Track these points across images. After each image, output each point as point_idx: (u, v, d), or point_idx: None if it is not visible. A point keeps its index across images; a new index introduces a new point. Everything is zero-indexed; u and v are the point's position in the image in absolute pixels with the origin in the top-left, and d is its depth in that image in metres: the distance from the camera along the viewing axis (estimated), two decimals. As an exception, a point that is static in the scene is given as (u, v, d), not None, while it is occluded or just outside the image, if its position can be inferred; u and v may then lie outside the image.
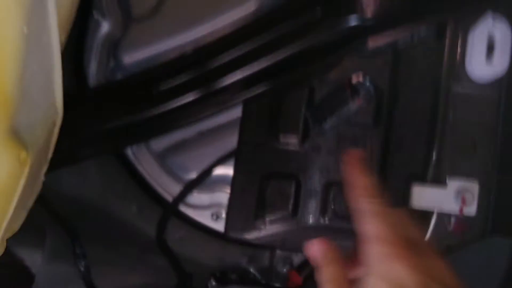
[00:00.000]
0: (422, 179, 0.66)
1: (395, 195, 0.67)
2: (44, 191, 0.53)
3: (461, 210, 0.63)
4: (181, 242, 0.77)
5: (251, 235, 0.70)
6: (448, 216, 0.65)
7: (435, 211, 0.65)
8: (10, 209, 0.44)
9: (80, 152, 0.74)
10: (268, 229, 0.69)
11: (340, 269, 0.47)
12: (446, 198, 0.63)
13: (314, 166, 0.68)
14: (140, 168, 0.80)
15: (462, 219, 0.64)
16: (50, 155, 0.54)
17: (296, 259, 0.73)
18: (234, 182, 0.71)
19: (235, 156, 0.73)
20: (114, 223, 0.76)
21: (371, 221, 0.45)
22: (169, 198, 0.79)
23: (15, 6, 0.40)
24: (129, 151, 0.80)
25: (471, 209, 0.63)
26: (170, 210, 0.78)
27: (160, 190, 0.79)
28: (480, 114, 0.65)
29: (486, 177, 0.64)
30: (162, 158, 0.80)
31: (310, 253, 0.49)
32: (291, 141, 0.69)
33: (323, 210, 0.67)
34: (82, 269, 0.65)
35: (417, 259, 0.43)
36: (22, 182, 0.44)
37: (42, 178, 0.53)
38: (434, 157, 0.66)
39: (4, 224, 0.44)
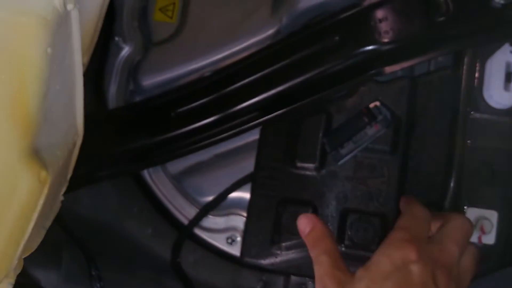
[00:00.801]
0: (440, 207, 0.65)
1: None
2: (61, 211, 0.53)
3: (479, 238, 0.62)
4: (196, 265, 0.77)
5: (266, 261, 0.69)
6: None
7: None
8: (29, 227, 0.45)
9: (98, 173, 0.75)
10: (284, 254, 0.68)
11: (335, 243, 0.51)
12: (464, 226, 0.63)
13: (331, 192, 0.68)
14: (156, 190, 0.80)
15: (481, 248, 0.63)
16: (69, 175, 0.54)
17: (311, 285, 0.72)
18: (251, 207, 0.71)
19: (252, 180, 0.73)
20: (129, 245, 0.76)
21: (403, 216, 0.52)
22: (185, 221, 0.79)
23: (40, 28, 0.40)
24: (145, 173, 0.80)
25: (490, 238, 0.62)
26: (185, 233, 0.78)
27: (175, 212, 0.79)
28: (499, 141, 0.65)
29: (506, 206, 0.63)
30: (178, 180, 0.80)
31: (301, 225, 0.53)
32: (308, 167, 0.68)
33: (339, 237, 0.66)
34: (98, 290, 0.66)
35: (428, 247, 0.47)
36: (41, 201, 0.44)
37: (61, 197, 0.53)
38: (452, 185, 0.65)
39: (22, 243, 0.45)
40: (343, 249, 0.66)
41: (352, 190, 0.67)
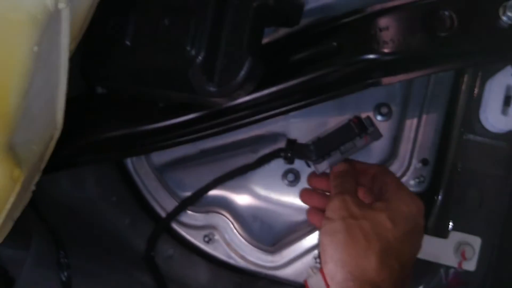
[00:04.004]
0: (423, 228, 0.63)
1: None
2: (36, 194, 0.52)
3: (460, 264, 0.60)
4: (170, 260, 0.75)
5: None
6: (446, 268, 0.62)
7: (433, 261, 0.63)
8: (-2, 222, 0.43)
9: (79, 158, 0.73)
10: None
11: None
12: (445, 250, 0.61)
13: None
14: (137, 180, 0.78)
15: (460, 274, 0.61)
16: (43, 166, 0.53)
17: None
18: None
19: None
20: (104, 234, 0.74)
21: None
22: (163, 214, 0.77)
23: (30, 25, 0.40)
24: (128, 162, 0.78)
25: (471, 265, 0.61)
26: (162, 226, 0.76)
27: (154, 204, 0.78)
28: (490, 166, 0.63)
29: (491, 233, 0.62)
30: (161, 172, 0.78)
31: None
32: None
33: None
34: (63, 279, 0.63)
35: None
36: (12, 198, 0.44)
37: (32, 188, 0.52)
38: (437, 205, 0.63)
39: (-10, 237, 0.44)
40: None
41: None
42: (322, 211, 0.58)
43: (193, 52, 0.53)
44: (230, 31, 0.54)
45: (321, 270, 0.58)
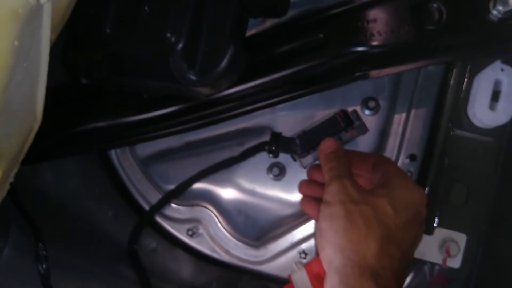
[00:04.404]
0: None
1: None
2: (17, 184, 0.51)
3: (444, 261, 0.59)
4: (153, 254, 0.74)
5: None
6: (431, 265, 0.61)
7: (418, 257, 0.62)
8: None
9: (63, 149, 0.71)
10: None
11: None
12: (430, 246, 0.60)
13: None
14: (121, 172, 0.77)
15: (445, 270, 0.60)
16: (22, 157, 0.52)
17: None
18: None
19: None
20: (87, 226, 0.73)
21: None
22: (147, 207, 0.76)
23: (10, 20, 0.39)
24: (112, 153, 0.77)
25: (456, 262, 0.60)
26: (145, 219, 0.75)
27: (138, 197, 0.77)
28: (477, 162, 0.62)
29: (476, 230, 0.61)
30: (145, 164, 0.77)
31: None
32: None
33: None
34: (42, 271, 0.62)
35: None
36: None
37: (11, 179, 0.51)
38: (423, 202, 0.62)
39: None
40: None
41: None
42: (317, 200, 0.56)
43: (173, 39, 0.52)
44: (212, 18, 0.52)
45: (305, 265, 0.57)
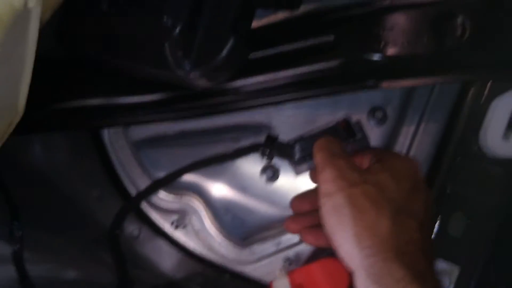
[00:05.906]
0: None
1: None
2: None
3: (433, 293, 0.56)
4: (134, 241, 0.72)
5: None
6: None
7: None
8: None
9: (53, 122, 0.69)
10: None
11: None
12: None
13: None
14: (111, 153, 0.74)
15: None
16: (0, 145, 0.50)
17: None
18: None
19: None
20: (69, 205, 0.71)
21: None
22: (134, 192, 0.73)
23: None
24: (105, 132, 0.74)
25: (445, 295, 0.56)
26: (130, 205, 0.72)
27: (126, 180, 0.74)
28: (480, 192, 0.58)
29: (470, 263, 0.57)
30: (137, 147, 0.74)
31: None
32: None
33: None
34: (15, 249, 0.60)
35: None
36: None
37: None
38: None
39: None
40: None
41: None
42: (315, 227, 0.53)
43: (169, 23, 0.48)
44: (215, 4, 0.48)
45: (289, 273, 0.55)
